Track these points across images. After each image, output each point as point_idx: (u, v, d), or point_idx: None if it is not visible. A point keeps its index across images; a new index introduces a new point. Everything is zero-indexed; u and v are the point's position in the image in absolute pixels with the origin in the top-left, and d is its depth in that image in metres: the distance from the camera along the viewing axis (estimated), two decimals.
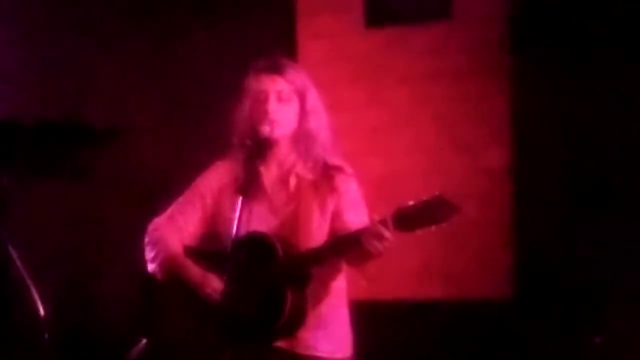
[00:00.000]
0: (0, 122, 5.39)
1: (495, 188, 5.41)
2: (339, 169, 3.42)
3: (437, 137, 5.56)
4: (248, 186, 3.32)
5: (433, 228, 3.08)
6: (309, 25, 5.78)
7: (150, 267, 3.47)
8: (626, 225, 5.04)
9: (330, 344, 3.40)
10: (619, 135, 5.11)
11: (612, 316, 5.02)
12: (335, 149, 3.46)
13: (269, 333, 3.27)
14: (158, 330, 3.54)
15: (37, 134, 5.63)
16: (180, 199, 3.52)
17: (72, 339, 5.05)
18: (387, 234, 3.11)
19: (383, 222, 3.12)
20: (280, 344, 3.32)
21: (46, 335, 3.38)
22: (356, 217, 3.35)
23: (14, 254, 3.54)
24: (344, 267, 3.43)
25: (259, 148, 3.38)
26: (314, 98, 3.43)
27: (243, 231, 3.32)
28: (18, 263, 3.49)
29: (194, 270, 3.37)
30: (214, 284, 3.31)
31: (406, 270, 5.41)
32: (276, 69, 3.39)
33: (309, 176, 3.40)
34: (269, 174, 3.43)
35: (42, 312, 3.39)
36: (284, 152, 3.43)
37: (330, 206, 3.38)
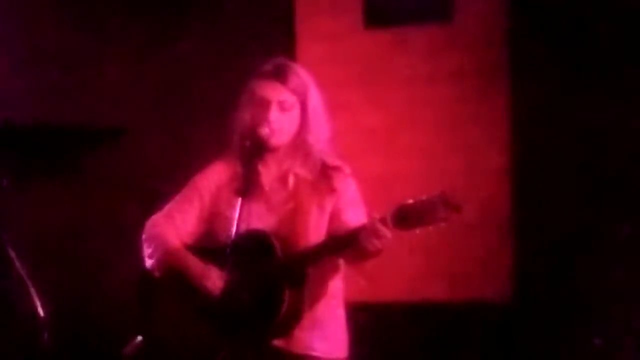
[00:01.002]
0: (1, 124, 5.38)
1: (495, 189, 5.40)
2: (337, 168, 3.43)
3: (436, 138, 5.56)
4: (246, 185, 3.33)
5: (431, 228, 3.08)
6: (308, 27, 5.78)
7: (148, 262, 3.48)
8: (627, 226, 5.04)
9: (326, 344, 3.40)
10: (619, 136, 5.11)
11: (612, 318, 5.02)
12: (333, 149, 3.47)
13: (265, 331, 3.28)
14: (154, 327, 3.54)
15: (37, 136, 5.63)
16: (178, 196, 3.53)
17: (72, 339, 5.05)
18: (385, 231, 3.11)
19: (382, 220, 3.12)
20: (276, 342, 3.32)
21: (45, 335, 3.39)
22: (355, 217, 3.35)
23: (13, 255, 3.54)
24: (342, 268, 3.44)
25: (258, 150, 3.38)
26: (315, 101, 3.44)
27: (241, 229, 3.32)
28: (17, 264, 3.49)
29: (194, 262, 3.38)
30: (214, 277, 3.31)
31: (405, 272, 5.40)
32: (279, 76, 3.39)
33: (308, 176, 3.41)
34: (267, 173, 3.44)
35: (41, 312, 3.40)
36: (282, 155, 3.44)
37: (329, 205, 3.39)
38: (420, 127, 5.59)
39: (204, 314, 3.33)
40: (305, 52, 5.70)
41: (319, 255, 3.29)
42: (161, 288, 3.48)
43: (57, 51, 5.74)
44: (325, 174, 3.41)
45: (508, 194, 5.39)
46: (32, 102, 5.60)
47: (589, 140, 5.14)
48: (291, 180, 3.42)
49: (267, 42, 5.52)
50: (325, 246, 3.30)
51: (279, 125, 3.37)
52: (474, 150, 5.48)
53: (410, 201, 3.10)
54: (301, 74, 3.46)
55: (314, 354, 3.38)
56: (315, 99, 3.44)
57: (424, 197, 3.08)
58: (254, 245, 3.31)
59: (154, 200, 3.66)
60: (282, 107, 3.38)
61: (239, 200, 3.29)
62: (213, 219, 3.44)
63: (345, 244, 3.23)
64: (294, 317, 3.28)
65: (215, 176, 3.49)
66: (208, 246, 3.41)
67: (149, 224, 3.52)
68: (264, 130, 3.35)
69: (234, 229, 3.27)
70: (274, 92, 3.37)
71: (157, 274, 3.46)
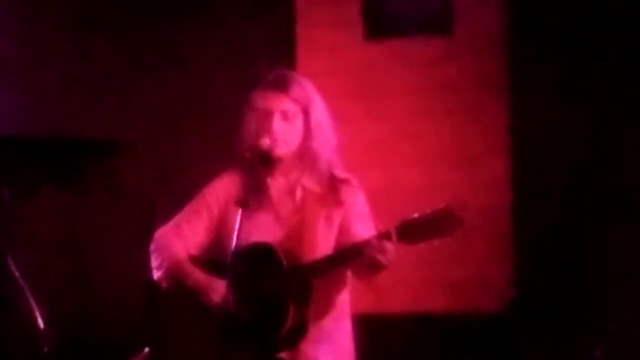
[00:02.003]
0: (1, 136, 5.39)
1: (495, 200, 5.41)
2: (345, 181, 3.42)
3: (437, 149, 5.57)
4: (249, 198, 3.32)
5: (436, 241, 3.08)
6: (309, 38, 5.79)
7: (156, 274, 3.47)
8: (626, 237, 5.04)
9: (333, 357, 3.39)
10: (619, 147, 5.12)
11: (612, 328, 5.02)
12: (341, 161, 3.47)
13: (271, 344, 3.27)
14: (161, 339, 3.54)
15: (37, 148, 5.63)
16: (187, 208, 3.52)
17: (72, 350, 5.04)
18: (389, 246, 3.11)
19: (386, 234, 3.12)
20: (282, 355, 3.31)
21: (46, 347, 3.38)
22: (363, 230, 3.35)
23: (13, 266, 3.54)
24: (349, 281, 3.43)
25: (260, 161, 3.38)
26: (319, 112, 3.43)
27: (249, 241, 3.32)
28: (17, 275, 3.49)
29: (200, 276, 3.37)
30: (220, 290, 3.30)
31: (406, 283, 5.40)
32: (281, 86, 3.38)
33: (316, 189, 3.40)
34: (276, 185, 3.44)
35: (41, 323, 3.39)
36: (289, 166, 3.43)
37: (337, 218, 3.39)
38: (420, 138, 5.60)
39: (210, 326, 3.32)
40: (305, 64, 5.71)
41: (323, 268, 3.28)
42: (168, 299, 3.48)
43: (59, 64, 5.75)
44: (333, 186, 3.40)
45: (508, 205, 5.39)
46: (32, 114, 5.60)
47: (588, 150, 5.15)
48: (299, 192, 3.41)
49: (267, 54, 5.54)
50: (330, 260, 3.29)
51: (283, 135, 3.36)
52: (474, 161, 5.49)
53: (415, 215, 3.10)
54: (304, 83, 3.45)
55: None
56: (319, 108, 3.43)
57: (428, 211, 3.09)
58: (260, 258, 3.30)
59: (156, 212, 3.66)
60: (285, 116, 3.37)
61: (245, 209, 3.28)
62: (221, 231, 3.43)
63: (349, 258, 3.22)
64: (300, 331, 3.28)
65: (224, 188, 3.47)
66: (216, 258, 3.40)
67: (157, 235, 3.52)
68: (265, 142, 3.34)
69: (234, 240, 3.26)
70: (276, 102, 3.37)
71: (164, 285, 3.46)
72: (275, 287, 3.26)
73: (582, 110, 5.16)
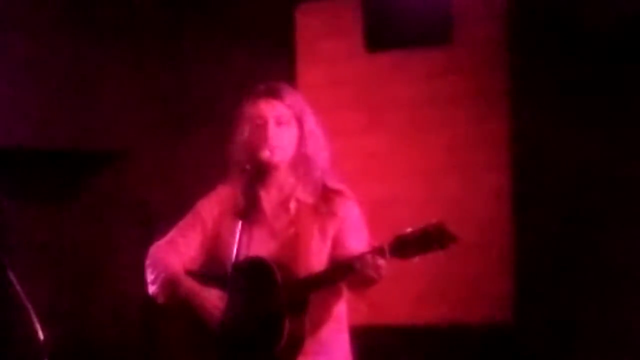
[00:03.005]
0: (1, 146, 5.39)
1: (495, 212, 5.41)
2: (339, 192, 3.42)
3: (436, 161, 5.57)
4: (248, 210, 3.32)
5: (429, 255, 3.09)
6: (309, 50, 5.81)
7: (151, 289, 3.47)
8: (626, 247, 5.04)
9: None
10: (619, 158, 5.11)
11: (613, 340, 5.02)
12: (334, 172, 3.47)
13: (267, 358, 3.26)
14: (158, 353, 3.53)
15: (37, 159, 5.63)
16: (181, 222, 3.52)
17: None
18: (381, 262, 3.12)
19: (380, 250, 3.13)
20: None
21: (45, 359, 3.38)
22: (358, 243, 3.34)
23: (12, 277, 3.53)
24: (345, 292, 3.43)
25: (259, 173, 3.38)
26: (311, 121, 3.44)
27: (243, 255, 3.31)
28: (17, 286, 3.48)
29: (195, 288, 3.37)
30: (215, 301, 3.30)
31: (406, 295, 5.40)
32: (273, 94, 3.39)
33: (310, 200, 3.40)
34: (269, 198, 3.43)
35: (41, 335, 3.39)
36: (283, 176, 3.43)
37: (331, 231, 3.38)
38: (420, 149, 5.60)
39: (206, 340, 3.31)
40: (305, 75, 5.73)
41: (317, 283, 3.28)
42: (164, 314, 3.47)
43: (58, 74, 5.75)
44: (326, 197, 3.40)
45: (508, 217, 5.39)
46: (32, 126, 5.61)
47: (588, 162, 5.15)
48: (293, 205, 3.41)
49: (267, 65, 5.54)
50: (324, 275, 3.29)
51: (278, 142, 3.36)
52: (474, 172, 5.49)
53: (408, 230, 3.11)
54: (295, 93, 3.47)
55: None
56: (311, 117, 3.44)
57: (421, 226, 3.09)
58: (254, 272, 3.30)
59: (154, 223, 3.66)
60: (279, 121, 3.37)
61: (239, 223, 3.28)
62: (216, 244, 3.43)
63: (342, 274, 3.23)
64: (296, 345, 3.27)
65: (218, 202, 3.47)
66: (211, 272, 3.40)
67: (152, 250, 3.51)
68: (265, 154, 3.35)
69: (234, 253, 3.26)
70: (270, 109, 3.37)
71: (160, 300, 3.45)
72: (270, 301, 3.26)
73: (583, 121, 5.16)
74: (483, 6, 5.48)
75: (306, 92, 5.70)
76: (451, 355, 5.37)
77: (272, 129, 3.36)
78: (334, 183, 3.44)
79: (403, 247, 3.10)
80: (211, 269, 3.42)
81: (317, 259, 3.35)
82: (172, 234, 3.51)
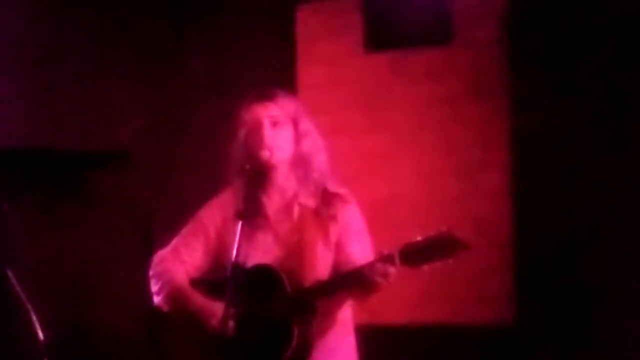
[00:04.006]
0: (1, 147, 5.39)
1: (495, 212, 5.41)
2: (339, 196, 3.42)
3: (437, 161, 5.57)
4: (248, 212, 3.32)
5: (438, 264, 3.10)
6: (309, 50, 5.81)
7: (156, 299, 3.47)
8: (627, 247, 5.04)
9: None
10: (619, 158, 5.11)
11: (613, 340, 5.01)
12: (334, 175, 3.46)
13: None
14: (158, 353, 3.52)
15: (38, 160, 5.63)
16: (184, 231, 3.52)
17: None
18: (391, 270, 3.13)
19: (390, 258, 3.13)
20: None
21: (45, 359, 3.37)
22: (360, 249, 3.36)
23: (13, 278, 3.53)
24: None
25: (258, 174, 3.38)
26: (307, 122, 3.45)
27: (248, 261, 3.33)
28: (17, 287, 3.48)
29: (201, 301, 3.36)
30: (222, 316, 3.27)
31: (407, 295, 5.39)
32: (267, 97, 3.41)
33: (311, 203, 3.40)
34: (271, 203, 3.43)
35: (41, 335, 3.39)
36: (283, 179, 3.43)
37: (333, 237, 3.38)
38: (420, 149, 5.60)
39: (213, 350, 3.31)
40: (306, 76, 5.73)
41: (326, 291, 3.29)
42: (170, 323, 3.47)
43: (59, 75, 5.75)
44: (327, 200, 3.40)
45: (508, 217, 5.39)
46: (33, 126, 5.60)
47: (588, 161, 5.15)
48: (296, 210, 3.41)
49: (268, 65, 5.54)
50: (333, 283, 3.29)
51: (275, 142, 3.36)
52: (474, 172, 5.49)
53: (418, 238, 3.11)
54: (289, 96, 3.50)
55: None
56: (307, 119, 3.45)
57: (431, 234, 3.10)
58: (262, 280, 3.30)
59: (156, 226, 3.65)
60: (274, 121, 3.38)
61: (239, 223, 3.27)
62: (220, 251, 3.42)
63: (352, 281, 3.23)
64: (304, 352, 3.27)
65: (220, 209, 3.46)
66: (216, 279, 3.39)
67: (156, 260, 3.51)
68: (265, 154, 3.35)
69: (234, 253, 3.24)
70: (264, 110, 3.39)
71: (165, 309, 3.45)
72: (278, 310, 3.26)
73: (583, 120, 5.16)
74: (483, 6, 5.48)
75: (306, 92, 5.76)
76: (451, 356, 5.37)
77: (267, 129, 3.37)
78: (334, 187, 3.44)
79: (413, 255, 3.11)
80: (216, 276, 3.41)
81: (321, 265, 3.35)
82: (174, 242, 3.51)
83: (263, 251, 3.37)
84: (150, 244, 3.54)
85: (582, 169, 5.17)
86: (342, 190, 3.44)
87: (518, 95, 5.35)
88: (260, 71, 5.55)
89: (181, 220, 3.57)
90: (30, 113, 5.61)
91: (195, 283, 3.44)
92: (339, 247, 3.38)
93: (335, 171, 3.48)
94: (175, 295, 3.42)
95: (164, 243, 3.61)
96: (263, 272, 3.31)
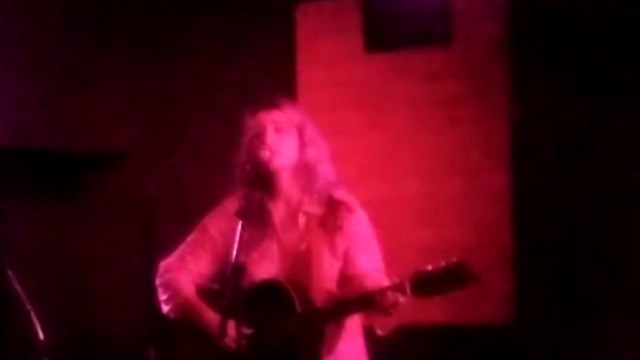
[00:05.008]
0: (1, 147, 5.39)
1: (495, 212, 5.41)
2: (345, 204, 3.41)
3: (437, 161, 5.57)
4: (248, 211, 3.31)
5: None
6: (309, 51, 5.81)
7: (164, 308, 3.48)
8: (627, 248, 5.04)
9: None
10: (620, 157, 5.12)
11: (613, 339, 5.01)
12: (340, 183, 3.46)
13: None
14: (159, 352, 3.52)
15: (38, 160, 5.63)
16: (189, 239, 3.52)
17: None
18: (401, 299, 3.14)
19: (401, 287, 3.13)
20: None
21: (45, 359, 3.38)
22: (368, 260, 3.36)
23: (13, 277, 3.53)
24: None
25: (260, 175, 3.37)
26: (312, 131, 3.44)
27: (254, 270, 3.33)
28: (17, 287, 3.48)
29: (210, 316, 3.36)
30: (232, 332, 3.28)
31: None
32: (272, 104, 3.42)
33: (317, 211, 3.39)
34: (277, 211, 3.43)
35: (41, 335, 3.39)
36: (287, 186, 3.42)
37: (341, 247, 3.38)
38: (420, 150, 5.60)
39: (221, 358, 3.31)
40: (305, 75, 5.73)
41: (335, 314, 3.29)
42: (177, 330, 3.47)
43: (59, 76, 5.76)
44: (332, 209, 3.39)
45: (508, 217, 5.39)
46: (33, 127, 5.61)
47: (589, 161, 5.15)
48: (302, 219, 3.41)
49: (268, 66, 5.55)
50: (342, 306, 3.29)
51: (277, 147, 3.36)
52: (474, 173, 5.49)
53: (429, 268, 3.12)
54: (295, 105, 3.51)
55: None
56: (313, 128, 3.45)
57: (442, 264, 3.11)
58: (271, 297, 3.30)
59: (155, 225, 3.65)
60: (278, 127, 3.38)
61: (240, 223, 3.26)
62: (227, 259, 3.37)
63: (361, 305, 3.24)
64: None
65: (226, 217, 3.44)
66: (223, 288, 3.38)
67: (162, 269, 3.51)
68: (265, 154, 3.35)
69: (234, 253, 3.24)
70: (268, 116, 3.39)
71: (172, 317, 3.46)
72: (288, 329, 3.27)
73: (584, 120, 5.16)
74: (483, 6, 5.48)
75: (306, 92, 5.76)
76: (451, 355, 5.37)
77: (270, 134, 3.37)
78: (340, 194, 3.43)
79: (424, 285, 3.12)
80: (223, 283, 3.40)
81: (329, 274, 3.36)
82: (180, 251, 3.52)
83: (268, 259, 3.38)
84: (150, 243, 3.55)
85: (582, 168, 5.17)
86: (348, 198, 3.43)
87: (518, 95, 5.35)
88: (260, 71, 5.56)
89: (181, 220, 3.57)
90: (30, 113, 5.61)
91: (203, 292, 3.44)
92: (346, 259, 3.37)
93: (341, 179, 3.47)
94: (183, 307, 3.43)
95: (164, 243, 3.61)
96: (272, 289, 3.31)
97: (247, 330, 3.28)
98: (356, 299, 3.25)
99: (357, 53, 5.72)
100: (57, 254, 5.68)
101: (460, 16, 5.54)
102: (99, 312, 5.69)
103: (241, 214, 3.26)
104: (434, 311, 5.46)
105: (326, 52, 5.78)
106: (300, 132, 3.41)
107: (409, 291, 3.12)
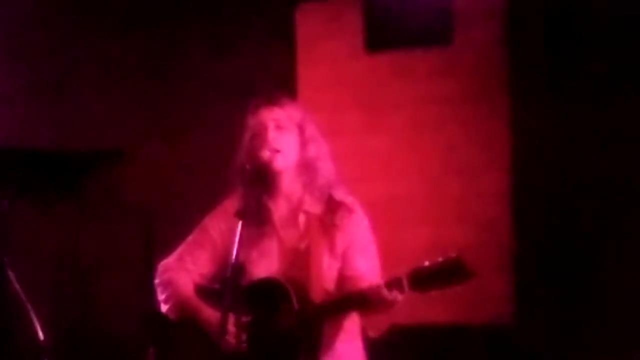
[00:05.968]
0: (1, 147, 5.40)
1: (494, 212, 5.41)
2: (345, 205, 3.40)
3: (436, 161, 5.57)
4: (248, 210, 3.31)
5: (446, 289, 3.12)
6: (309, 51, 5.81)
7: (164, 307, 3.47)
8: (626, 249, 5.04)
9: None
10: (619, 159, 5.12)
11: (613, 340, 5.02)
12: (340, 182, 3.45)
13: None
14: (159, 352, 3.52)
15: (38, 160, 5.63)
16: (189, 239, 3.52)
17: None
18: (400, 297, 3.14)
19: (398, 282, 3.13)
20: None
21: (45, 359, 3.38)
22: (366, 262, 3.36)
23: (13, 277, 3.53)
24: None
25: (260, 175, 3.37)
26: (313, 130, 3.44)
27: (253, 268, 3.33)
28: (17, 286, 3.48)
29: (209, 315, 3.36)
30: (232, 329, 3.28)
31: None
32: (273, 101, 3.41)
33: (317, 210, 3.39)
34: (277, 210, 3.42)
35: (41, 335, 3.39)
36: (288, 185, 3.41)
37: (340, 247, 3.38)
38: (420, 150, 5.60)
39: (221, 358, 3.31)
40: (305, 75, 5.73)
41: (333, 311, 3.29)
42: (176, 329, 3.47)
43: (59, 76, 5.76)
44: (332, 209, 3.39)
45: (508, 217, 5.39)
46: (33, 126, 5.61)
47: (588, 162, 5.15)
48: (302, 218, 3.40)
49: (268, 66, 5.55)
50: (339, 302, 3.29)
51: (279, 145, 3.36)
52: (474, 173, 5.49)
53: (426, 263, 3.11)
54: (296, 103, 3.50)
55: None
56: (313, 126, 3.45)
57: (439, 260, 3.10)
58: (270, 296, 3.30)
59: (154, 225, 3.65)
60: (279, 125, 3.38)
61: (239, 223, 3.26)
62: (227, 259, 3.37)
63: (359, 302, 3.23)
64: None
65: (225, 217, 3.44)
66: (222, 287, 3.37)
67: (161, 268, 3.51)
68: (265, 154, 3.34)
69: (234, 253, 3.24)
70: (269, 114, 3.39)
71: (172, 317, 3.46)
72: (286, 327, 3.26)
73: (583, 120, 5.17)
74: (483, 6, 5.48)
75: (306, 92, 5.76)
76: (451, 355, 5.38)
77: (271, 132, 3.36)
78: (341, 195, 3.42)
79: (421, 281, 3.12)
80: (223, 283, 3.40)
81: (328, 274, 3.35)
82: (179, 251, 3.51)
83: (268, 258, 3.37)
84: (150, 243, 3.54)
85: (582, 168, 5.17)
86: (349, 199, 3.42)
87: (518, 96, 5.35)
88: (261, 71, 5.56)
89: (181, 220, 3.57)
90: (29, 113, 5.62)
91: (202, 291, 3.44)
92: (345, 260, 3.37)
93: (341, 178, 3.47)
94: (182, 306, 3.43)
95: (164, 243, 3.61)
96: (270, 286, 3.31)
97: (245, 318, 3.28)
98: (352, 295, 3.26)
99: (357, 53, 5.73)
100: (57, 254, 5.68)
101: (460, 16, 5.54)
102: (99, 312, 5.68)
103: (241, 214, 3.26)
104: (433, 311, 5.46)
105: (326, 52, 5.78)
106: (301, 129, 3.41)
107: (406, 287, 3.12)
